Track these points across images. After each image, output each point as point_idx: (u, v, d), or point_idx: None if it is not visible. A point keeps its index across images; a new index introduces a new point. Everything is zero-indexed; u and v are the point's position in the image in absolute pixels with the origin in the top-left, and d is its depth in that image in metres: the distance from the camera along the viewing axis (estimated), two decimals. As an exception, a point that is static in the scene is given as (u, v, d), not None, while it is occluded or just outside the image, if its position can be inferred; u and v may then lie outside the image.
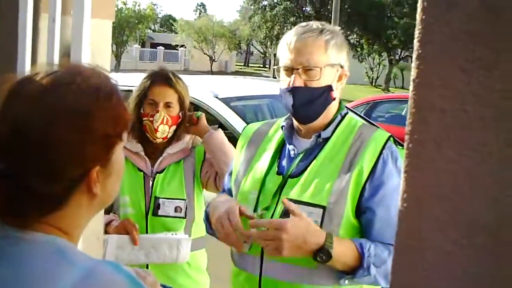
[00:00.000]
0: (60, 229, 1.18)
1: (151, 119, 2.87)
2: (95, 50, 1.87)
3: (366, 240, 2.02)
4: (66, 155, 1.12)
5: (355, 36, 39.50)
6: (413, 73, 0.90)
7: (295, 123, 2.22)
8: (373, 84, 40.95)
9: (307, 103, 2.10)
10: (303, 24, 2.18)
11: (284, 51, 2.13)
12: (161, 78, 2.93)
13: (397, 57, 40.07)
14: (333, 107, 2.18)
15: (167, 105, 2.90)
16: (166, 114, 2.88)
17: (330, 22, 21.40)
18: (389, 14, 38.12)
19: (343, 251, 1.97)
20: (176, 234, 2.82)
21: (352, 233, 2.05)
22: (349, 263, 1.99)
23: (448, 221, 0.87)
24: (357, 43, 40.08)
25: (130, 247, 2.73)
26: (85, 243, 1.96)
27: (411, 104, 0.91)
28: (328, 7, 26.25)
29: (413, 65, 0.90)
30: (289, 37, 2.12)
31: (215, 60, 53.90)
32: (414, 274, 0.91)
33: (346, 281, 2.02)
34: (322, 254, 1.93)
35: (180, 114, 2.95)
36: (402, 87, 39.87)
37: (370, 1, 37.18)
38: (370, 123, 6.39)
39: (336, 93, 2.16)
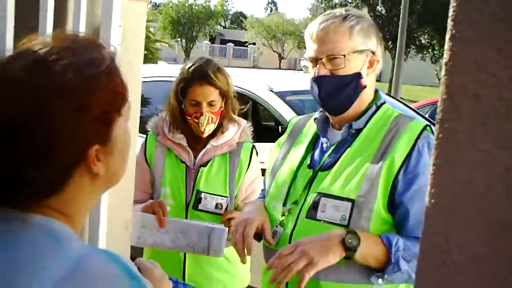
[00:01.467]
0: (61, 212, 1.12)
1: (196, 120, 2.82)
2: (127, 32, 1.84)
3: (394, 234, 1.92)
4: (59, 138, 1.05)
5: (426, 36, 38.80)
6: (445, 55, 0.83)
7: (329, 115, 2.14)
8: (444, 86, 40.03)
9: (334, 92, 2.02)
10: (327, 12, 2.08)
11: (309, 42, 2.05)
12: (200, 76, 2.83)
13: (469, 59, 38.89)
14: (366, 96, 2.08)
15: (210, 104, 2.84)
16: (210, 113, 2.82)
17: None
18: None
19: (370, 243, 1.88)
20: (214, 224, 2.71)
21: (384, 228, 1.95)
22: (379, 256, 1.89)
23: (479, 221, 0.79)
24: (429, 44, 39.36)
25: (156, 228, 2.67)
26: (113, 232, 1.94)
27: (442, 90, 0.83)
28: (400, 7, 25.85)
29: (446, 46, 0.82)
30: (312, 27, 2.03)
31: (284, 57, 53.91)
32: (440, 275, 0.83)
33: (380, 280, 1.93)
34: (350, 240, 1.84)
35: (222, 104, 2.88)
36: (474, 90, 38.73)
37: (442, 0, 36.46)
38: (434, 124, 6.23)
39: (367, 81, 2.05)
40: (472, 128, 0.80)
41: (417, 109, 9.87)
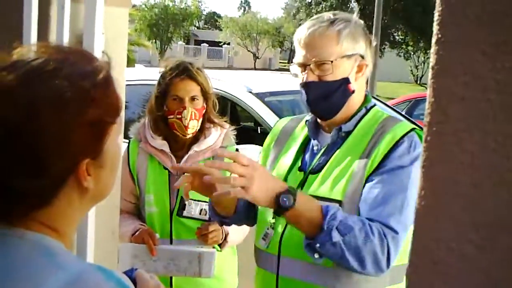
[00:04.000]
0: (49, 227, 1.11)
1: (179, 116, 2.81)
2: (109, 40, 1.84)
3: (338, 207, 1.89)
4: (50, 149, 1.04)
5: (400, 33, 39.04)
6: (432, 59, 0.84)
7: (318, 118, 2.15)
8: (418, 82, 40.38)
9: (322, 98, 2.02)
10: (315, 16, 2.08)
11: (297, 47, 2.05)
12: (182, 72, 2.84)
13: (443, 55, 39.12)
14: (355, 100, 2.07)
15: (192, 99, 2.84)
16: (193, 109, 2.82)
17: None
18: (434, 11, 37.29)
19: (307, 206, 1.83)
20: (202, 247, 2.73)
21: None
22: (312, 221, 1.84)
23: (468, 221, 0.80)
24: (402, 41, 39.60)
25: (147, 257, 2.68)
26: (100, 237, 1.93)
27: (429, 93, 0.84)
28: (374, 4, 26.00)
29: (432, 50, 0.84)
30: (300, 32, 2.03)
31: (259, 57, 53.96)
32: (431, 275, 0.84)
33: (316, 255, 1.87)
34: (285, 198, 1.78)
35: (204, 104, 2.89)
36: (448, 86, 38.98)
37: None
38: (411, 121, 6.28)
39: (355, 85, 2.05)
40: (459, 130, 0.81)
41: (395, 106, 9.95)
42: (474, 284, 0.80)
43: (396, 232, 1.84)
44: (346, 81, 2.02)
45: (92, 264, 1.15)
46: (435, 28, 0.82)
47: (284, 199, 1.78)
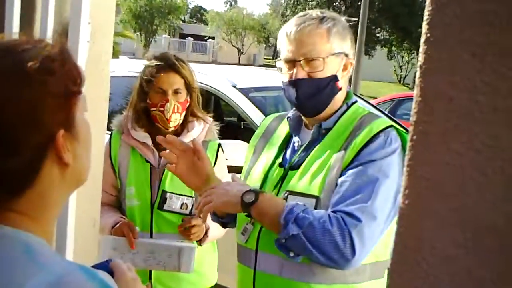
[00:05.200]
0: (28, 216, 1.09)
1: (161, 109, 2.80)
2: (96, 29, 1.82)
3: (303, 205, 1.92)
4: (21, 122, 1.03)
5: (384, 33, 39.20)
6: (420, 58, 0.83)
7: (302, 116, 2.17)
8: (401, 82, 40.56)
9: (312, 95, 2.03)
10: (302, 13, 2.09)
11: (284, 43, 2.05)
12: (166, 64, 2.84)
13: (427, 56, 39.35)
14: (339, 97, 2.10)
15: (175, 92, 2.83)
16: (176, 101, 2.81)
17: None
18: (420, 12, 37.50)
19: (272, 201, 1.94)
20: (182, 241, 2.74)
21: None
22: (275, 217, 1.89)
23: (453, 221, 0.80)
24: (387, 40, 39.73)
25: (127, 250, 2.68)
26: (81, 230, 1.91)
27: (417, 92, 0.84)
28: (359, 3, 26.08)
29: (421, 49, 0.83)
30: (289, 28, 2.04)
31: (244, 52, 53.98)
32: (414, 276, 0.84)
33: (292, 253, 1.92)
34: (248, 196, 1.92)
35: (188, 98, 2.88)
36: (431, 86, 39.22)
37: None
38: (394, 121, 6.30)
39: (341, 83, 2.08)
40: (445, 130, 0.81)
41: (377, 105, 9.98)
42: (456, 284, 0.80)
43: (359, 220, 1.85)
44: (335, 78, 2.04)
45: (75, 264, 1.13)
46: (424, 27, 0.82)
47: (247, 196, 1.92)
